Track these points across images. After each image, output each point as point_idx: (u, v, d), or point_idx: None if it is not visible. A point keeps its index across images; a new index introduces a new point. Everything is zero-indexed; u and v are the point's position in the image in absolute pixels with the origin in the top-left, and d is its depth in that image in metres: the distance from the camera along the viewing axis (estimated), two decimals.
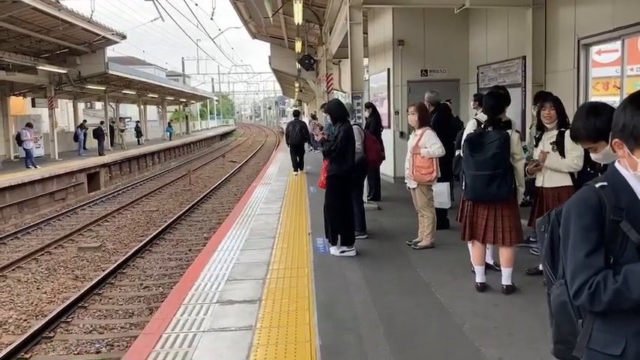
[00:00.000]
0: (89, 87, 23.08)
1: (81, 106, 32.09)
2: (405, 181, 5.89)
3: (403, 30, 10.76)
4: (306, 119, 22.18)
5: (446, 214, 6.50)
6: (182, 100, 46.63)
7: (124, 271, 8.55)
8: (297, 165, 13.37)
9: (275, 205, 9.05)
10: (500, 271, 4.46)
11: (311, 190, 10.21)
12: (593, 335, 1.52)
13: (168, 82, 38.37)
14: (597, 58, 7.18)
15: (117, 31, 19.52)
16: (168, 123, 41.57)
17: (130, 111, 42.54)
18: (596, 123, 1.91)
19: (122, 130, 29.46)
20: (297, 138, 13.28)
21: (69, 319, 6.53)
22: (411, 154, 5.70)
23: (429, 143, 5.55)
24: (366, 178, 7.48)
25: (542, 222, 1.72)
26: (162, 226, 11.40)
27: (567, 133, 4.32)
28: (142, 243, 9.97)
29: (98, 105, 36.38)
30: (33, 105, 24.74)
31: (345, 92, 20.78)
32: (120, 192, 17.88)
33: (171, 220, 12.01)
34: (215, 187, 17.59)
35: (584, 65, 7.14)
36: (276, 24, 17.67)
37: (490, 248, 4.75)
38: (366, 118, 8.55)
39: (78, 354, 5.68)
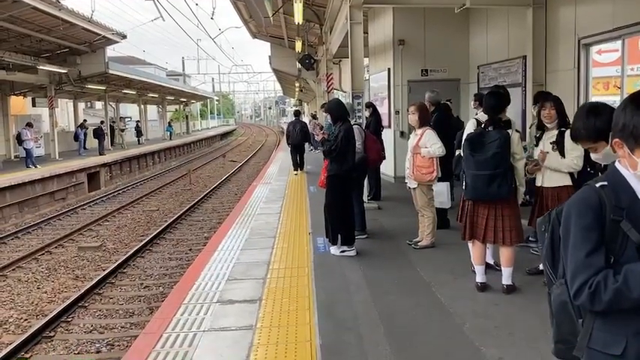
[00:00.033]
0: (89, 87, 23.09)
1: (81, 105, 32.09)
2: (406, 180, 5.89)
3: (403, 29, 10.76)
4: (306, 119, 22.18)
5: (446, 213, 6.50)
6: (182, 99, 46.64)
7: (125, 270, 8.55)
8: (298, 164, 13.38)
9: (275, 204, 9.05)
10: (500, 270, 4.46)
11: (311, 189, 10.21)
12: (593, 335, 1.52)
13: (169, 81, 38.37)
14: (597, 58, 7.18)
15: (117, 31, 19.52)
16: (169, 123, 41.61)
17: (130, 110, 42.54)
18: (596, 123, 1.91)
19: (122, 130, 29.48)
20: (298, 138, 13.29)
21: (69, 319, 6.53)
22: (411, 153, 5.70)
23: (430, 143, 5.55)
24: (366, 178, 7.48)
25: (542, 222, 1.73)
26: (163, 226, 11.40)
27: (567, 132, 4.32)
28: (143, 243, 9.98)
29: (98, 105, 36.39)
30: (33, 105, 24.75)
31: (345, 92, 20.78)
32: (120, 191, 17.88)
33: (171, 220, 12.01)
34: (215, 187, 17.59)
35: (585, 65, 7.14)
36: (277, 23, 17.66)
37: (490, 248, 4.75)
38: (366, 117, 8.55)
39: (78, 353, 5.68)
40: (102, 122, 25.65)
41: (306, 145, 14.74)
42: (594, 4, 7.07)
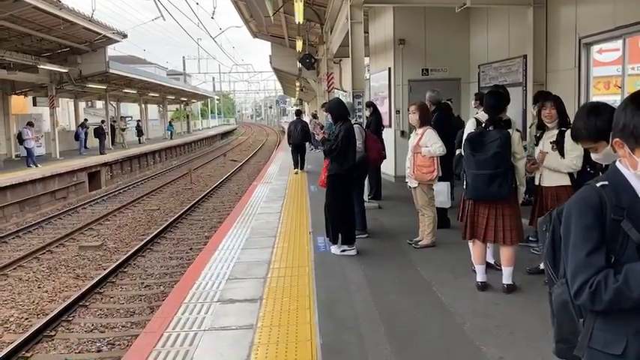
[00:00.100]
0: (90, 86, 23.10)
1: (82, 105, 32.09)
2: (406, 180, 5.89)
3: (404, 29, 10.75)
4: (306, 118, 22.18)
5: (446, 213, 6.50)
6: (183, 99, 46.65)
7: (125, 270, 8.56)
8: (298, 163, 13.39)
9: (276, 204, 9.05)
10: (500, 270, 4.46)
11: (312, 189, 10.21)
12: (594, 334, 1.52)
13: (169, 81, 38.41)
14: (598, 57, 7.18)
15: (118, 30, 19.53)
16: (169, 122, 41.62)
17: (130, 110, 42.57)
18: (596, 123, 1.91)
19: (123, 129, 29.47)
20: (299, 138, 13.30)
21: (70, 318, 6.54)
22: (412, 153, 5.70)
23: (430, 142, 5.55)
24: (366, 177, 7.48)
25: (543, 221, 1.73)
26: (164, 225, 11.41)
27: (568, 132, 4.33)
28: (143, 242, 9.98)
29: (99, 104, 36.41)
30: (34, 104, 24.74)
31: (345, 91, 20.79)
32: (121, 191, 17.90)
33: (172, 219, 12.02)
34: (216, 186, 17.60)
35: (585, 64, 7.14)
36: (277, 23, 17.66)
37: (491, 247, 4.75)
38: (366, 117, 8.55)
39: (79, 353, 5.69)
40: (103, 121, 25.66)
41: (307, 144, 14.74)
42: (595, 4, 7.06)
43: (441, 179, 5.82)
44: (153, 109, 43.55)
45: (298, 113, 15.16)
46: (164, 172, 23.71)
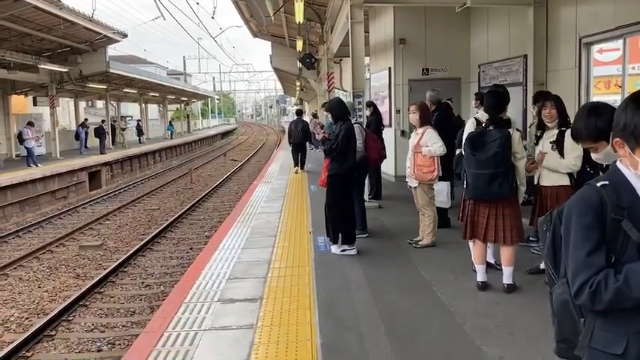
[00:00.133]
0: (90, 86, 23.10)
1: (82, 104, 32.11)
2: (406, 179, 5.89)
3: (404, 28, 10.75)
4: (307, 118, 22.19)
5: (447, 212, 6.50)
6: (183, 98, 46.65)
7: (126, 269, 8.56)
8: (299, 162, 13.40)
9: (276, 203, 9.05)
10: (501, 270, 4.46)
11: (312, 188, 10.21)
12: (594, 334, 1.52)
13: (170, 80, 38.41)
14: (599, 57, 7.18)
15: (118, 30, 19.53)
16: (170, 122, 41.63)
17: (131, 109, 42.58)
18: (597, 123, 1.91)
19: (123, 129, 29.50)
20: (300, 137, 13.32)
21: (70, 318, 6.54)
22: (412, 152, 5.70)
23: (431, 142, 5.55)
24: (367, 177, 7.48)
25: (544, 221, 1.73)
26: (164, 225, 11.41)
27: (568, 132, 4.33)
28: (144, 241, 9.98)
29: (99, 104, 36.43)
30: (34, 104, 24.76)
31: (346, 91, 20.80)
32: (121, 190, 17.90)
33: (172, 219, 12.01)
34: (216, 186, 17.60)
35: (586, 64, 7.13)
36: (277, 23, 17.66)
37: (491, 247, 4.75)
38: (367, 116, 8.55)
39: (79, 352, 5.69)
40: (103, 121, 25.66)
41: (307, 144, 14.75)
42: (595, 3, 7.06)
43: (441, 179, 5.82)
44: (153, 109, 43.56)
45: (299, 113, 15.17)
46: (164, 172, 23.71)
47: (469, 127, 4.66)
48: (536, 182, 4.70)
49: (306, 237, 6.48)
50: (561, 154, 4.45)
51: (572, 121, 2.62)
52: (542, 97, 5.27)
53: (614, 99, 6.59)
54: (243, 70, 69.04)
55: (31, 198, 14.66)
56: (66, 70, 19.90)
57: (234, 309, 4.18)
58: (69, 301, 6.87)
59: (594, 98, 6.92)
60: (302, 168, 13.41)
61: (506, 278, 4.37)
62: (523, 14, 8.35)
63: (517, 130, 4.50)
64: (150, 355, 3.43)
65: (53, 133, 21.57)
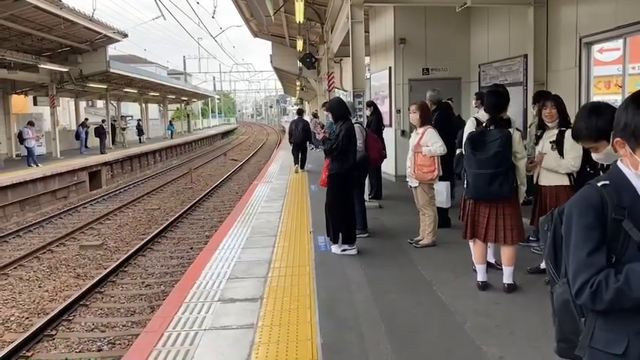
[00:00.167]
0: (91, 85, 23.11)
1: (82, 104, 32.10)
2: (407, 179, 5.89)
3: (404, 28, 10.75)
4: (307, 118, 22.18)
5: (447, 212, 6.50)
6: (183, 98, 46.66)
7: (126, 269, 8.56)
8: (299, 161, 13.41)
9: (276, 203, 9.05)
10: (501, 269, 4.46)
11: (312, 188, 10.21)
12: (595, 334, 1.52)
13: (170, 80, 38.41)
14: (599, 57, 7.17)
15: (118, 30, 19.53)
16: (170, 121, 41.62)
17: (131, 109, 42.57)
18: (597, 123, 1.92)
19: (124, 129, 29.50)
20: (300, 137, 13.32)
21: (70, 317, 6.54)
22: (412, 152, 5.69)
23: (431, 142, 5.54)
24: (367, 177, 7.48)
25: (545, 221, 1.73)
26: (164, 225, 11.41)
27: (568, 132, 4.33)
28: (144, 241, 9.98)
29: (100, 103, 36.42)
30: (35, 103, 24.76)
31: (346, 91, 20.80)
32: (121, 190, 17.90)
33: (172, 219, 12.02)
34: (216, 186, 17.60)
35: (586, 64, 7.13)
36: (278, 22, 17.66)
37: (491, 247, 4.75)
38: (367, 116, 8.55)
39: (79, 352, 5.69)
40: (103, 121, 25.67)
41: (308, 143, 14.75)
42: (596, 3, 7.06)
43: (441, 179, 5.82)
44: (153, 109, 43.57)
45: (300, 112, 15.17)
46: (164, 172, 23.71)
47: (469, 127, 4.65)
48: (535, 182, 4.71)
49: (306, 237, 6.48)
50: (561, 154, 4.45)
51: (572, 121, 2.62)
52: (543, 96, 5.28)
53: (615, 99, 6.59)
54: (243, 69, 69.19)
55: (31, 198, 14.67)
56: (66, 70, 19.90)
57: (235, 309, 4.18)
58: (69, 300, 6.87)
59: (594, 98, 6.92)
60: (302, 167, 13.41)
61: (507, 278, 4.37)
62: (523, 14, 8.34)
63: (517, 129, 4.50)
64: (150, 355, 3.43)
65: (53, 132, 21.58)
